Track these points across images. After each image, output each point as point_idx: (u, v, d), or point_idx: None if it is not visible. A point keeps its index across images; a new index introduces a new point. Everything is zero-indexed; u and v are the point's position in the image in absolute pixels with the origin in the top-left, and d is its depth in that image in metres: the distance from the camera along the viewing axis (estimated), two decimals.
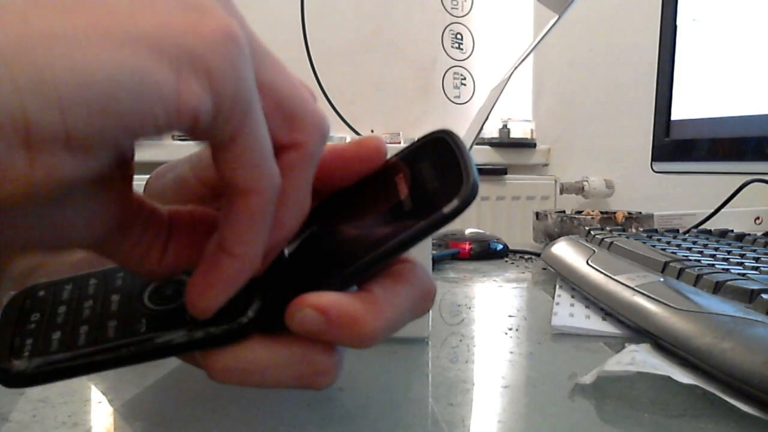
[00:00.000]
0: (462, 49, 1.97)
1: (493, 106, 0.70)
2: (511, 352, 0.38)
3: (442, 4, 1.93)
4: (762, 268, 0.42)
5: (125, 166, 0.19)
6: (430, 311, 0.40)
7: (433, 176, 0.22)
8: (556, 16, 0.69)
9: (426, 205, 0.21)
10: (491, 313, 0.51)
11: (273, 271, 0.23)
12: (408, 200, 0.22)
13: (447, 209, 0.20)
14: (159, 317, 0.22)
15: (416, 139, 0.24)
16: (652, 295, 0.39)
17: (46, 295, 0.24)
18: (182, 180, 0.25)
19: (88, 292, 0.23)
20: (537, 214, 0.88)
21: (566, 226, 0.82)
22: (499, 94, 0.69)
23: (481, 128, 0.72)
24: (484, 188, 1.74)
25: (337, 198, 0.24)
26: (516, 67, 0.71)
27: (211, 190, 0.25)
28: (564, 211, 0.89)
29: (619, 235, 0.63)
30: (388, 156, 0.24)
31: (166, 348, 0.21)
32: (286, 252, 0.24)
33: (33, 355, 0.21)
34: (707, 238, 0.60)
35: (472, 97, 1.97)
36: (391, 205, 0.22)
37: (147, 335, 0.21)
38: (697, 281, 0.40)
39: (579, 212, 0.87)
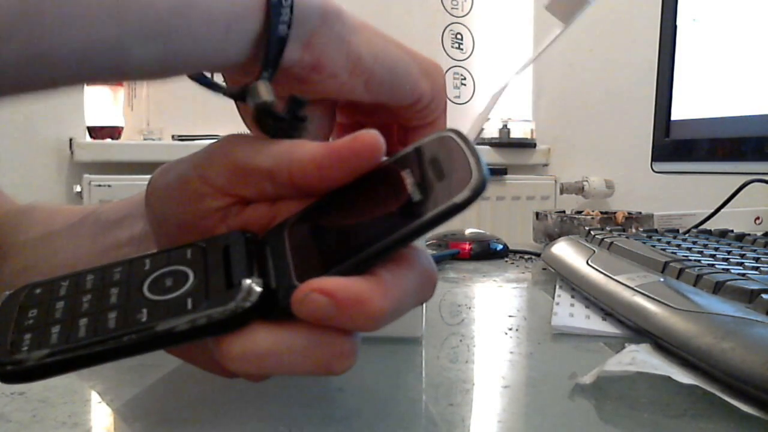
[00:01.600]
0: (462, 49, 1.97)
1: (492, 108, 0.70)
2: (511, 352, 0.38)
3: (442, 4, 1.93)
4: (762, 268, 0.42)
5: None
6: (424, 311, 0.40)
7: (441, 170, 0.22)
8: (558, 21, 0.69)
9: (436, 196, 0.21)
10: (491, 313, 0.51)
11: (274, 257, 0.23)
12: (416, 192, 0.22)
13: (458, 198, 0.21)
14: (160, 307, 0.22)
15: (422, 139, 0.24)
16: (652, 295, 0.39)
17: (43, 292, 0.23)
18: (184, 178, 0.25)
19: (86, 287, 0.23)
20: (537, 214, 0.88)
21: (566, 226, 0.82)
22: (498, 98, 0.69)
23: (481, 130, 0.72)
24: None
25: (340, 192, 0.24)
26: (517, 74, 0.71)
27: (212, 187, 0.25)
28: (564, 211, 0.89)
29: (619, 235, 0.62)
30: (387, 152, 0.24)
31: (169, 336, 0.21)
32: (287, 240, 0.24)
33: (32, 349, 0.21)
34: (707, 238, 0.60)
35: (472, 97, 1.97)
36: (400, 197, 0.22)
37: (148, 324, 0.21)
38: (697, 281, 0.40)
39: (579, 212, 0.87)
